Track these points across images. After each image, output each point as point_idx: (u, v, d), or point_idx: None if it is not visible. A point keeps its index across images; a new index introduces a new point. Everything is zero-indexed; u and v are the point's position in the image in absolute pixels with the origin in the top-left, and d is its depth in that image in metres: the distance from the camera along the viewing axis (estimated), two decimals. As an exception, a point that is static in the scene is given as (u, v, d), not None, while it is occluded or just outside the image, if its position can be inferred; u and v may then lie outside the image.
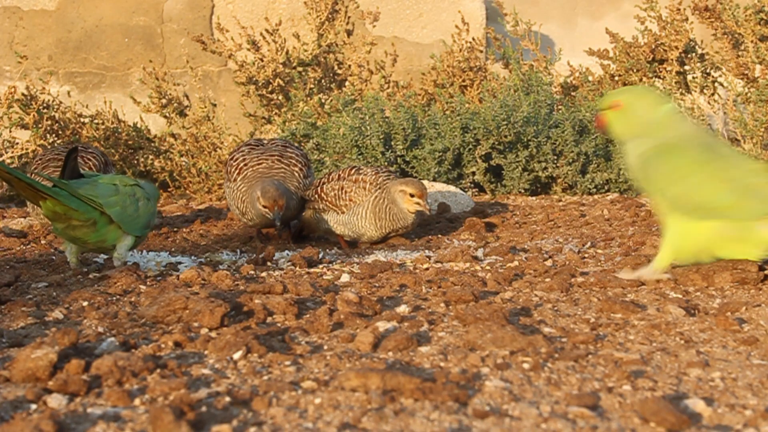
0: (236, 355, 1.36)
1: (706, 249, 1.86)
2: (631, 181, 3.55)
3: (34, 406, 1.17)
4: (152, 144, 4.09)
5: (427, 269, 2.12)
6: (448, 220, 2.92)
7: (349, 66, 4.48)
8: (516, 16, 4.51)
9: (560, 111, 3.85)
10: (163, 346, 1.43)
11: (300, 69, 4.33)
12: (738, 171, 1.84)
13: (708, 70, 4.19)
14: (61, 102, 4.05)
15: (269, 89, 4.30)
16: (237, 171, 2.66)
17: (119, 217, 2.12)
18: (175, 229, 2.91)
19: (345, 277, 2.03)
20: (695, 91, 4.11)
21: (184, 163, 3.96)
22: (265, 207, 2.51)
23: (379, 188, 2.58)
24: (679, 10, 4.17)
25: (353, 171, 2.63)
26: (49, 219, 2.11)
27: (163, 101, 4.14)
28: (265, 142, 2.79)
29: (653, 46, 4.23)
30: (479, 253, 2.32)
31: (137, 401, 1.18)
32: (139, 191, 2.22)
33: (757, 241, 1.81)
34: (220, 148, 3.95)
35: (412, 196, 2.52)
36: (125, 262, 2.17)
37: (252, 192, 2.56)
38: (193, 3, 5.23)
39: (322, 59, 4.45)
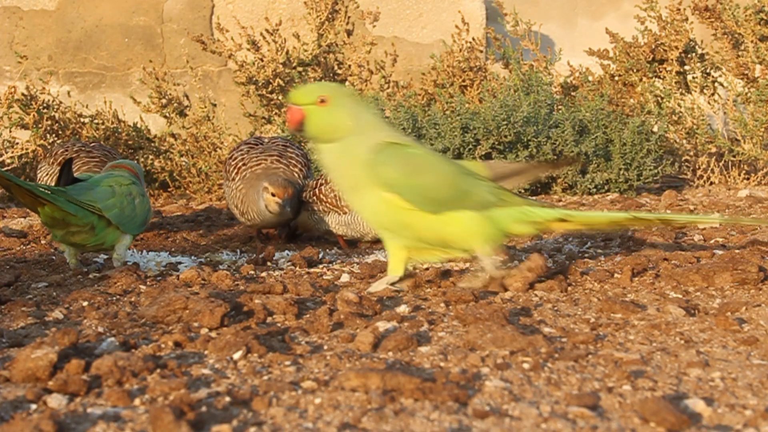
0: (236, 355, 1.36)
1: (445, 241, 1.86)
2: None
3: (34, 406, 1.17)
4: (152, 144, 4.09)
5: (427, 269, 2.12)
6: (448, 220, 2.92)
7: (349, 66, 4.48)
8: (516, 16, 4.51)
9: (560, 111, 3.85)
10: (163, 346, 1.43)
11: (300, 69, 4.33)
12: (458, 165, 1.92)
13: (708, 70, 4.19)
14: (61, 102, 4.05)
15: (269, 89, 4.30)
16: (236, 171, 2.65)
17: (118, 219, 2.13)
18: (175, 229, 2.91)
19: (345, 277, 2.03)
20: (695, 91, 4.11)
21: (184, 163, 3.96)
22: (274, 195, 2.49)
23: None
24: (679, 10, 4.17)
25: None
26: (48, 226, 2.10)
27: (163, 101, 4.14)
28: (265, 140, 2.77)
29: (653, 46, 4.23)
30: (479, 253, 2.32)
31: (137, 401, 1.18)
32: (134, 189, 2.22)
33: (492, 228, 1.85)
34: (220, 148, 3.95)
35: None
36: (125, 261, 2.17)
37: (254, 190, 2.55)
38: (193, 3, 5.23)
39: (322, 59, 4.45)
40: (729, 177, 3.91)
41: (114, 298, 1.82)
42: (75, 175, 2.25)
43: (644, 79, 4.25)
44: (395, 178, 1.80)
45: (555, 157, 3.59)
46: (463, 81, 4.48)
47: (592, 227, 2.02)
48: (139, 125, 4.13)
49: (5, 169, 3.61)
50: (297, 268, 2.17)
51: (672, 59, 4.13)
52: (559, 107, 3.93)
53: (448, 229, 1.83)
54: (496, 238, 1.86)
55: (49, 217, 2.05)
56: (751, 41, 3.98)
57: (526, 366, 1.31)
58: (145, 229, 2.47)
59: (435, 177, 1.82)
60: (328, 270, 2.15)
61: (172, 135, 4.09)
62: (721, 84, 4.15)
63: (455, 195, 1.82)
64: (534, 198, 1.89)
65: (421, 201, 1.81)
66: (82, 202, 2.06)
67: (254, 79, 4.28)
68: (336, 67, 4.51)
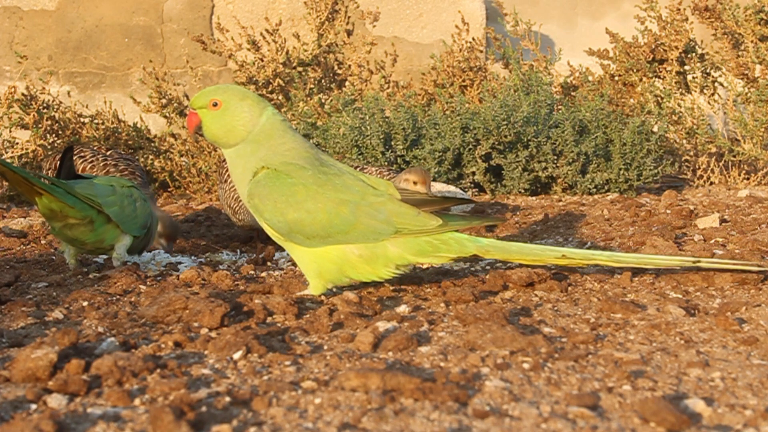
0: (236, 355, 1.36)
1: (342, 271, 1.75)
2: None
3: (34, 406, 1.17)
4: (152, 144, 4.09)
5: (427, 269, 2.12)
6: (448, 220, 2.92)
7: (349, 66, 4.48)
8: (516, 16, 4.51)
9: (560, 111, 3.85)
10: (163, 346, 1.43)
11: (300, 69, 4.33)
12: (356, 190, 1.74)
13: (708, 70, 4.19)
14: (61, 102, 4.05)
15: (269, 89, 4.30)
16: (228, 172, 2.65)
17: (118, 216, 2.12)
18: (175, 229, 2.91)
19: (345, 277, 2.03)
20: (695, 91, 4.11)
21: (184, 163, 3.96)
22: None
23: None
24: (679, 10, 4.17)
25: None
26: (46, 218, 2.10)
27: (163, 101, 4.14)
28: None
29: (653, 46, 4.23)
30: (479, 253, 2.32)
31: (137, 401, 1.18)
32: (136, 192, 2.22)
33: (386, 260, 1.74)
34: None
35: (415, 183, 2.53)
36: (125, 262, 2.17)
37: None
38: (193, 3, 5.23)
39: (322, 59, 4.45)
40: (729, 177, 3.91)
41: (114, 298, 1.82)
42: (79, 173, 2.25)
43: (644, 79, 4.25)
44: (265, 212, 1.75)
45: (555, 156, 3.60)
46: (463, 81, 4.48)
47: (521, 260, 1.84)
48: (139, 125, 4.13)
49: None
50: (297, 268, 2.16)
51: (672, 59, 4.13)
52: (559, 107, 3.93)
53: (325, 263, 1.74)
54: (385, 271, 1.75)
55: (47, 208, 2.05)
56: (751, 41, 3.98)
57: (526, 366, 1.31)
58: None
59: (307, 214, 1.71)
60: (328, 270, 2.15)
61: (172, 135, 4.09)
62: (721, 84, 4.15)
63: (333, 229, 1.70)
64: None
65: (291, 235, 1.75)
66: (82, 195, 2.06)
67: (254, 79, 4.28)
68: (336, 67, 4.51)
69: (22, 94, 3.89)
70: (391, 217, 1.72)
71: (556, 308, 1.68)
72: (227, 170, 2.64)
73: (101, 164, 2.74)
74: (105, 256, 2.35)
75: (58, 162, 2.19)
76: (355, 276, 1.77)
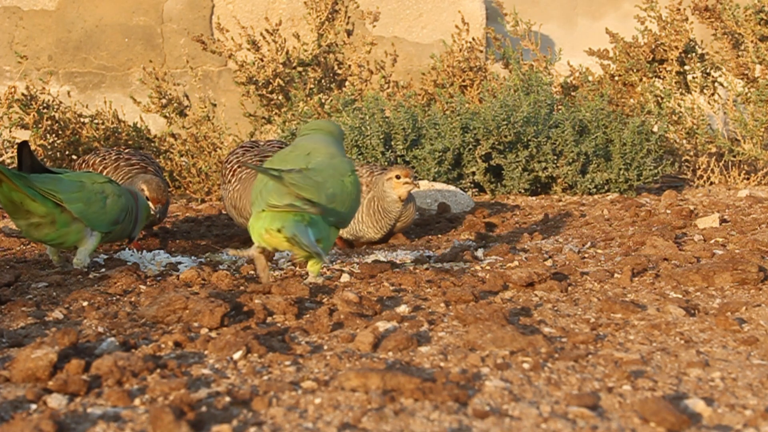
0: (236, 355, 1.36)
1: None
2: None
3: (34, 406, 1.17)
4: (152, 144, 4.09)
5: (427, 269, 2.12)
6: (448, 220, 2.92)
7: (349, 66, 4.47)
8: (516, 16, 4.51)
9: (560, 111, 3.85)
10: (163, 346, 1.43)
11: (300, 69, 4.33)
12: (279, 167, 1.94)
13: (708, 70, 4.19)
14: (61, 102, 4.05)
15: (269, 89, 4.30)
16: (231, 173, 2.65)
17: (82, 213, 2.08)
18: (175, 229, 2.91)
19: (345, 277, 2.03)
20: (695, 91, 4.11)
21: (184, 163, 3.96)
22: None
23: (372, 188, 2.57)
24: (679, 10, 4.17)
25: None
26: (9, 213, 2.05)
27: (163, 101, 4.14)
28: (261, 143, 2.78)
29: (653, 46, 4.23)
30: (479, 253, 2.32)
31: (137, 401, 1.18)
32: (109, 188, 2.18)
33: (258, 228, 1.89)
34: (220, 148, 3.95)
35: (398, 177, 2.52)
36: (85, 267, 2.14)
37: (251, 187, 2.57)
38: (193, 3, 5.23)
39: (322, 59, 4.45)
40: (729, 177, 3.91)
41: (114, 298, 1.82)
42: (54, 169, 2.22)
43: (644, 79, 4.25)
44: None
45: (555, 156, 3.60)
46: (463, 81, 4.48)
47: None
48: (139, 125, 4.13)
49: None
50: (297, 268, 2.17)
51: (672, 59, 4.13)
52: (559, 107, 3.93)
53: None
54: (257, 236, 1.91)
55: (8, 200, 2.01)
56: (751, 41, 3.98)
57: (526, 366, 1.31)
58: (143, 228, 2.46)
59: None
60: (327, 270, 2.15)
61: (172, 135, 4.08)
62: (721, 84, 4.15)
63: (252, 197, 1.97)
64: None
65: None
66: (42, 190, 2.02)
67: (254, 79, 4.28)
68: (336, 67, 4.51)
69: (22, 94, 3.88)
70: (264, 192, 1.88)
71: (556, 308, 1.68)
72: (230, 171, 2.65)
73: (113, 157, 2.74)
74: (105, 256, 2.35)
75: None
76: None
